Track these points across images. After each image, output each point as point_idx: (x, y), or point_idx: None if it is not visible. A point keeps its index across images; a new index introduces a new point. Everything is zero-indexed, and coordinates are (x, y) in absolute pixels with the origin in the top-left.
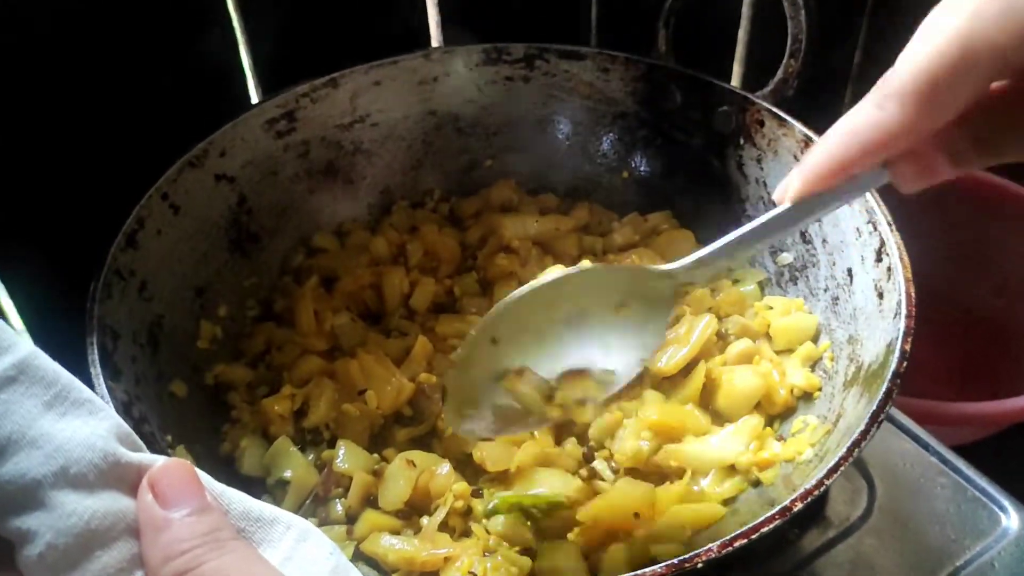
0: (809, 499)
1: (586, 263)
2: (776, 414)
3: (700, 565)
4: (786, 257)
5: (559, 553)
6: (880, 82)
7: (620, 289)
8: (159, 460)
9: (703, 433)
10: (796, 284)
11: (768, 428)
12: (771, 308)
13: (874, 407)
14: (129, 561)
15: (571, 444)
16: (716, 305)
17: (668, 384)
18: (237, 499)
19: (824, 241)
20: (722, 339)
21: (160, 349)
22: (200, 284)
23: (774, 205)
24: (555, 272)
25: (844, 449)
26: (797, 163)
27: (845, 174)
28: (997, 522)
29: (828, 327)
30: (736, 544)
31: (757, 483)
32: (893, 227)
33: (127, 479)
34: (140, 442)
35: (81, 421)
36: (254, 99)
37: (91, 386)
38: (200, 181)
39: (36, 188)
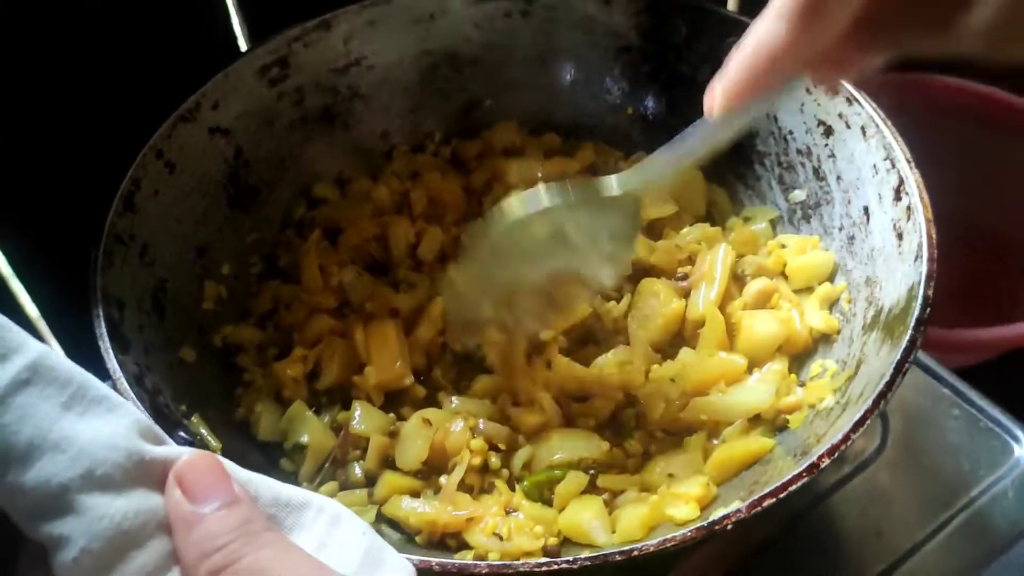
0: (836, 454)
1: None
2: (795, 355)
3: (729, 527)
4: (799, 194)
5: (584, 508)
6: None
7: (582, 206)
8: (184, 453)
9: (739, 380)
10: (809, 222)
11: (792, 375)
12: (784, 247)
13: (898, 356)
14: (164, 559)
15: (597, 401)
16: (728, 244)
17: (691, 330)
18: (265, 485)
19: (839, 178)
20: (738, 280)
21: (166, 315)
22: (201, 243)
23: (784, 140)
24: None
25: (870, 401)
26: (809, 95)
27: (758, 90)
28: (1010, 452)
29: (844, 267)
30: (764, 504)
31: (783, 428)
32: (912, 164)
33: (154, 475)
34: (163, 434)
35: (102, 420)
36: (241, 43)
37: (102, 360)
38: (194, 136)
39: (25, 161)
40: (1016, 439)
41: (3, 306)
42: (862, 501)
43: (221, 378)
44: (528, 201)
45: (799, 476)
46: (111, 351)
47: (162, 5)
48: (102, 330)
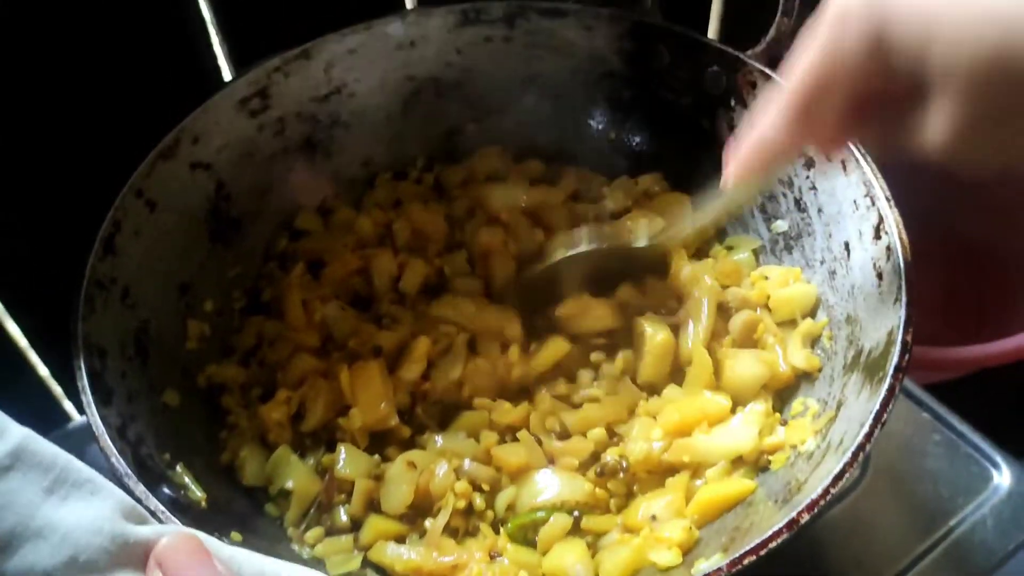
0: (816, 509)
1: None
2: (778, 391)
3: None
4: (780, 225)
5: (567, 552)
6: (776, 96)
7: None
8: (166, 532)
9: (722, 420)
10: (791, 253)
11: (776, 415)
12: (767, 278)
13: (877, 405)
14: None
15: (579, 440)
16: (712, 277)
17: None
18: (248, 562)
19: (819, 211)
20: (723, 310)
21: (149, 357)
22: (184, 280)
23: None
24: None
25: (849, 453)
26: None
27: (765, 169)
28: (989, 478)
29: (826, 302)
30: (745, 562)
31: (764, 468)
32: (892, 203)
33: (138, 557)
34: (145, 513)
35: (84, 504)
36: (225, 73)
37: (83, 411)
38: (175, 172)
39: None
40: (995, 465)
41: None
42: (844, 530)
43: (205, 422)
44: (568, 243)
45: (779, 532)
46: (92, 404)
47: (141, 39)
48: (84, 383)
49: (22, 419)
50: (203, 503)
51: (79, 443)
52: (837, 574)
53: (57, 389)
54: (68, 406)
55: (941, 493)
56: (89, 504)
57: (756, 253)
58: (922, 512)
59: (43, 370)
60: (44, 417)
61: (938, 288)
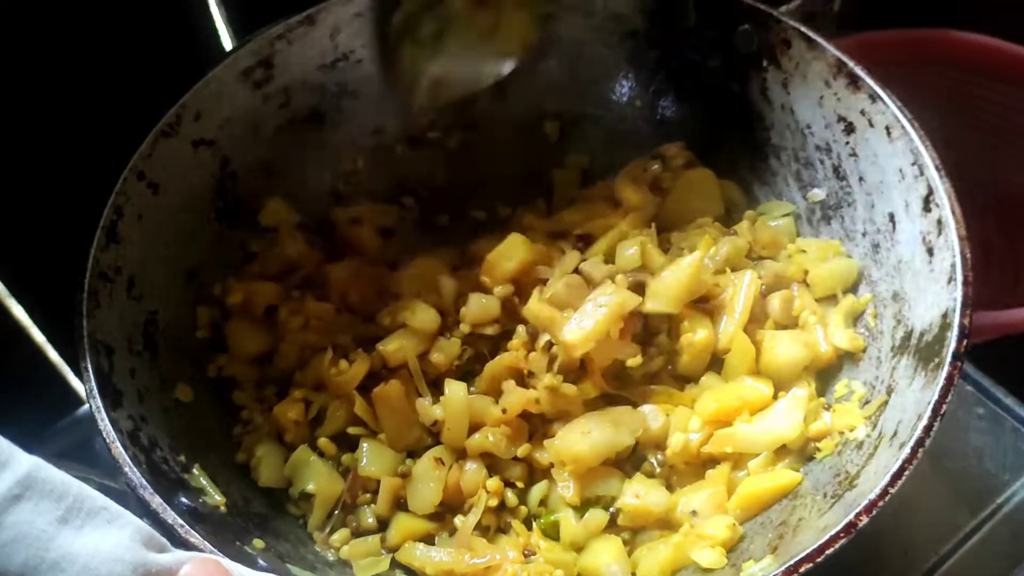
0: (875, 510)
1: None
2: (819, 371)
3: None
4: (818, 193)
5: (603, 551)
6: None
7: None
8: (187, 559)
9: (764, 407)
10: (830, 224)
11: (821, 399)
12: (804, 251)
13: (935, 396)
14: None
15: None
16: (749, 247)
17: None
18: None
19: (861, 179)
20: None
21: (159, 350)
22: (191, 265)
23: (802, 134)
24: None
25: (908, 449)
26: (828, 89)
27: None
28: None
29: (869, 277)
30: (802, 569)
31: (810, 457)
32: (943, 173)
33: None
34: (165, 541)
35: (101, 533)
36: (226, 43)
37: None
38: (177, 151)
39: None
40: None
41: None
42: (889, 511)
43: (219, 416)
44: None
45: (837, 537)
46: (103, 410)
47: (136, 8)
48: (91, 385)
49: (31, 405)
50: (222, 507)
51: (89, 430)
52: (879, 556)
53: (68, 373)
54: (78, 388)
55: (987, 469)
56: (107, 533)
57: (795, 221)
58: (967, 490)
59: (52, 354)
60: (54, 403)
61: (973, 246)
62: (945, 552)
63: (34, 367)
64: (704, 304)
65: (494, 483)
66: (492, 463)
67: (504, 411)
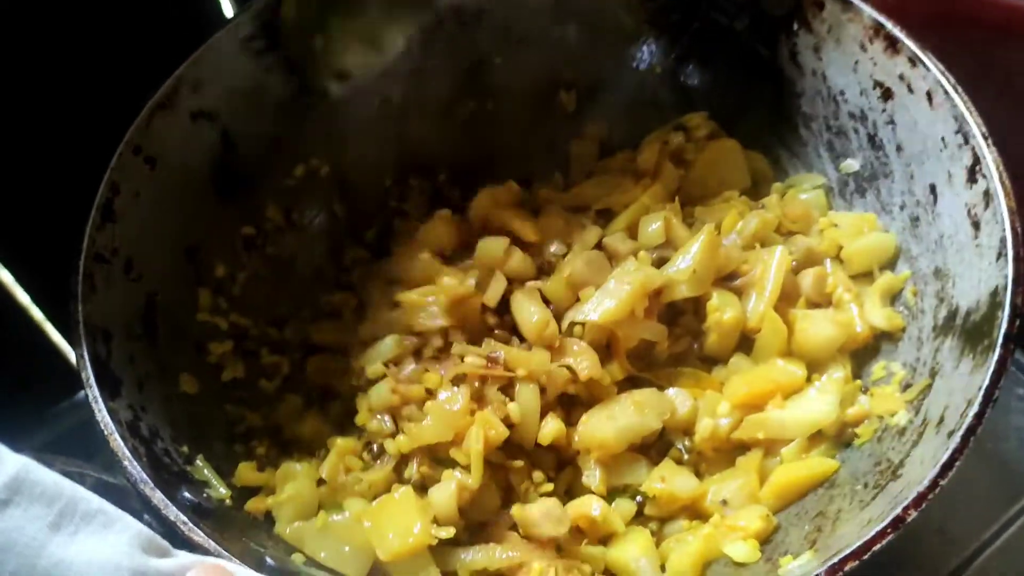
0: (924, 504)
1: None
2: (855, 352)
3: None
4: (851, 164)
5: (631, 543)
6: None
7: None
8: (190, 564)
9: (797, 390)
10: (864, 197)
11: (857, 382)
12: (837, 226)
13: (987, 380)
14: None
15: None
16: (779, 221)
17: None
18: None
19: (899, 148)
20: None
21: (159, 335)
22: (191, 244)
23: (835, 102)
24: None
25: (958, 438)
26: (864, 53)
27: None
28: None
29: (908, 252)
30: (847, 567)
31: (847, 443)
32: (990, 141)
33: None
34: (166, 545)
35: (97, 539)
36: (227, 9)
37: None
38: (175, 124)
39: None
40: None
41: None
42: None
43: (221, 403)
44: None
45: (883, 533)
46: (100, 399)
47: None
48: (88, 374)
49: (32, 386)
50: (228, 500)
51: (91, 413)
52: (917, 544)
53: (70, 354)
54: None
55: None
56: (103, 539)
57: (826, 194)
58: (1008, 474)
59: (54, 335)
60: (56, 384)
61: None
62: (987, 538)
63: (34, 348)
64: (732, 282)
65: (539, 475)
66: (521, 455)
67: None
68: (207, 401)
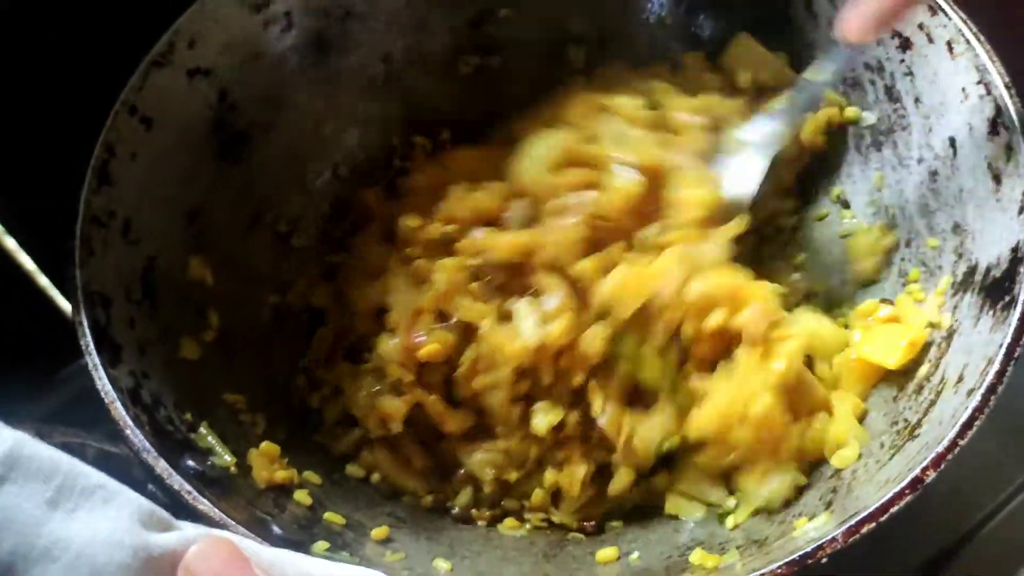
0: (943, 464)
1: None
2: None
3: (824, 560)
4: (868, 117)
5: None
6: None
7: None
8: (195, 537)
9: None
10: (880, 151)
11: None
12: None
13: (1008, 339)
14: None
15: None
16: None
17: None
18: (292, 564)
19: (917, 100)
20: None
21: (159, 300)
22: (192, 206)
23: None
24: None
25: (978, 397)
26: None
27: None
28: None
29: (926, 207)
30: (863, 530)
31: None
32: (1013, 92)
33: (165, 570)
34: (169, 518)
35: (98, 514)
36: None
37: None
38: (171, 82)
39: None
40: None
41: None
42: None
43: (226, 366)
44: None
45: (902, 494)
46: (100, 367)
47: None
48: (88, 340)
49: (39, 354)
50: (233, 468)
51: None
52: (930, 505)
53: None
54: None
55: None
56: (104, 514)
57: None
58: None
59: (59, 299)
60: (59, 349)
61: None
62: (1003, 498)
63: (41, 315)
64: None
65: None
66: None
67: None
68: (211, 365)
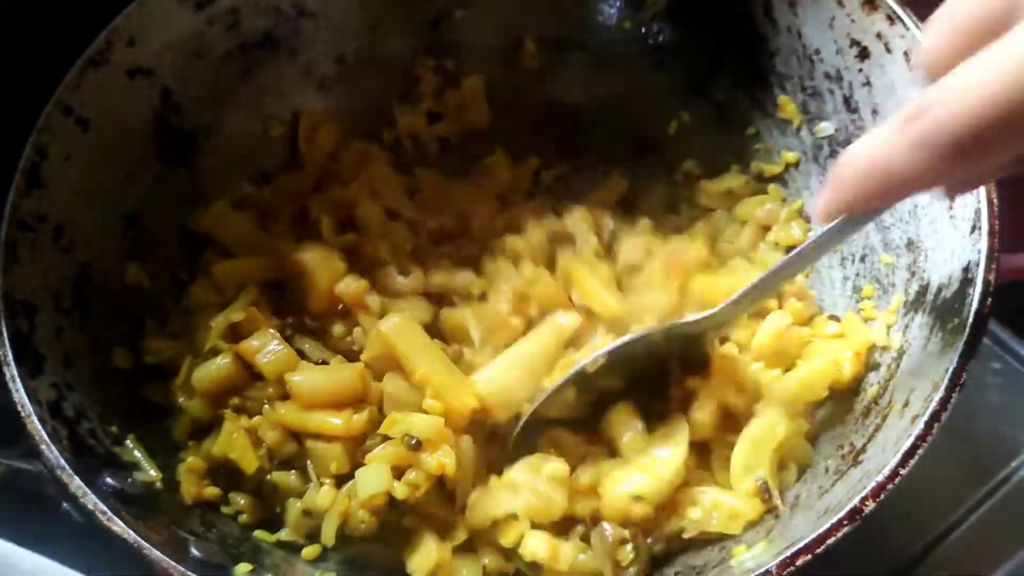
0: (883, 494)
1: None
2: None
3: None
4: (826, 127)
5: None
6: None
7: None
8: None
9: None
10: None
11: None
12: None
13: (953, 364)
14: None
15: None
16: None
17: None
18: None
19: (874, 112)
20: None
21: (92, 309)
22: (130, 211)
23: (810, 61)
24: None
25: (921, 424)
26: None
27: (874, 205)
28: None
29: (881, 223)
30: (798, 562)
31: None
32: None
33: None
34: None
35: None
36: None
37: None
38: (110, 81)
39: None
40: None
41: None
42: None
43: (160, 380)
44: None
45: (839, 525)
46: (18, 378)
47: None
48: (6, 350)
49: None
50: (158, 483)
51: None
52: (879, 527)
53: None
54: None
55: (1001, 431)
56: None
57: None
58: (979, 452)
59: None
60: None
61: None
62: (953, 520)
63: None
64: None
65: None
66: None
67: None
68: (143, 377)
